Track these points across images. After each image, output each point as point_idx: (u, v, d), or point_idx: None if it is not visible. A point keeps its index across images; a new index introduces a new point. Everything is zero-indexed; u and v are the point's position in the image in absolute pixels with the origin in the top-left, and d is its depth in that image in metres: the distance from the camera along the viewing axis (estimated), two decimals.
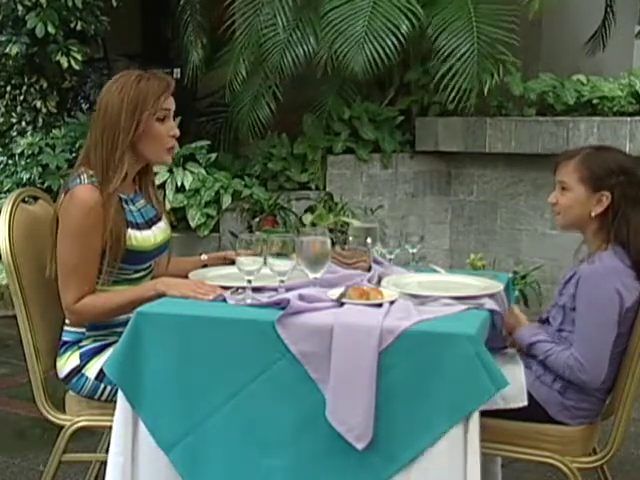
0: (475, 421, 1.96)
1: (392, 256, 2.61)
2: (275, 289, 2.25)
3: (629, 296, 2.24)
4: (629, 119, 4.90)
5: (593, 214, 2.31)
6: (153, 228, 2.52)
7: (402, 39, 4.95)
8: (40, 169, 5.41)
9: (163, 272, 2.60)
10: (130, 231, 2.41)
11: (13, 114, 5.82)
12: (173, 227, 2.64)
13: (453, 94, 5.04)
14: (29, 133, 5.70)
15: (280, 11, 5.29)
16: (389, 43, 4.93)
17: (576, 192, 2.32)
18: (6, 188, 5.47)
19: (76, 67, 5.49)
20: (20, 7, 5.30)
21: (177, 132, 2.49)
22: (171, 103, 2.47)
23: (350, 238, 2.60)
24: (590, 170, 2.31)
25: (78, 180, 2.38)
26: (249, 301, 2.21)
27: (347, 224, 4.14)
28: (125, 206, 2.44)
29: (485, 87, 5.06)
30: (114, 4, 5.69)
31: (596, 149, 2.44)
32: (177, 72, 6.41)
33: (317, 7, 5.27)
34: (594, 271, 2.26)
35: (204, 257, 2.73)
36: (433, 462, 1.98)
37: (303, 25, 5.32)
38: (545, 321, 2.46)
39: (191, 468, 2.14)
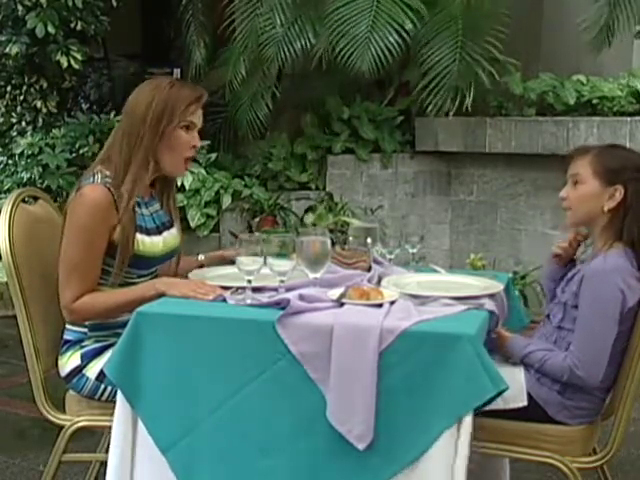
0: (468, 422, 1.96)
1: (392, 256, 2.61)
2: (275, 289, 2.25)
3: (632, 296, 2.24)
4: (629, 119, 4.90)
5: (606, 208, 2.30)
6: (164, 234, 2.51)
7: (407, 37, 4.95)
8: (40, 169, 5.41)
9: (172, 274, 2.59)
10: (138, 236, 2.41)
11: (13, 114, 5.82)
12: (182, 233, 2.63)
13: (433, 103, 5.06)
14: (29, 133, 5.70)
15: (278, 8, 5.29)
16: (393, 41, 4.93)
17: (590, 185, 2.31)
18: (6, 188, 5.47)
19: (76, 67, 5.48)
20: (20, 7, 5.30)
21: (198, 143, 2.48)
22: (199, 117, 2.46)
23: (350, 238, 2.60)
24: (604, 164, 2.30)
25: (91, 179, 2.37)
26: (249, 301, 2.21)
27: (347, 224, 4.14)
28: (137, 209, 2.43)
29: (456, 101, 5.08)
30: (114, 4, 5.68)
31: (610, 146, 2.45)
32: (177, 72, 6.41)
33: (317, 4, 5.27)
34: (599, 269, 2.26)
35: (201, 257, 2.73)
36: (434, 462, 1.97)
37: (302, 21, 5.32)
38: (546, 317, 2.46)
39: (189, 469, 2.14)
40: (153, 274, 2.54)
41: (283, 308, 2.09)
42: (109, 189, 2.35)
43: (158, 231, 2.50)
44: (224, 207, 5.31)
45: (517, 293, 4.82)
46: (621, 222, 2.29)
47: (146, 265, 2.47)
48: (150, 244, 2.45)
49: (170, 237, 2.53)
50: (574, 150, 2.44)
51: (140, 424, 2.17)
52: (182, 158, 2.46)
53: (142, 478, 2.18)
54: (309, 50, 5.26)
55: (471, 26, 5.04)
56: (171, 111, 2.38)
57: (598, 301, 2.24)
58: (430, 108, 5.08)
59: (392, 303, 2.15)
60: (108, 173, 2.38)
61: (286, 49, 5.27)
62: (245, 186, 5.43)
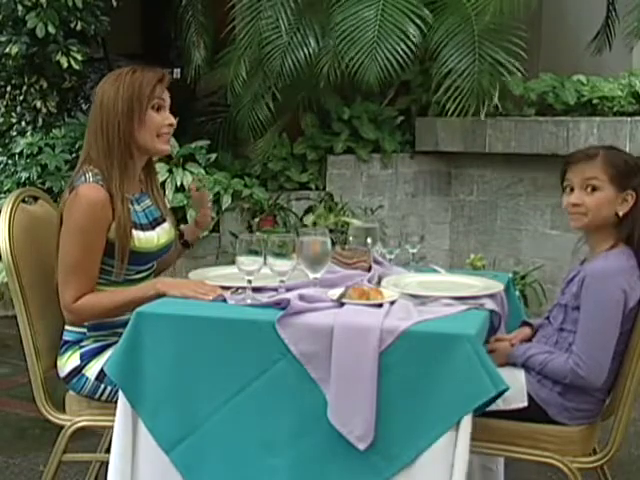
0: (467, 422, 1.96)
1: (392, 256, 2.61)
2: (275, 289, 2.25)
3: (633, 295, 2.24)
4: (629, 119, 4.90)
5: (621, 213, 2.30)
6: (157, 229, 2.52)
7: (412, 45, 4.94)
8: (40, 169, 5.40)
9: (167, 266, 2.64)
10: (133, 232, 2.41)
11: (13, 114, 5.81)
12: (175, 227, 2.64)
13: (453, 107, 5.04)
14: (29, 133, 5.69)
15: (282, 14, 5.29)
16: (400, 50, 4.92)
17: (606, 192, 2.30)
18: (6, 188, 5.46)
19: (76, 67, 5.48)
20: (20, 7, 5.29)
21: (173, 121, 2.49)
22: (166, 94, 2.48)
23: (350, 238, 2.60)
24: (617, 169, 2.30)
25: (83, 178, 2.37)
26: (249, 301, 2.21)
27: (347, 224, 4.14)
28: (130, 206, 2.44)
29: (491, 100, 5.07)
30: (114, 4, 5.68)
31: (610, 148, 2.41)
32: (177, 72, 6.41)
33: (318, 10, 5.27)
34: (601, 269, 2.26)
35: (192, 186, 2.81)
36: (435, 462, 1.98)
37: (304, 28, 5.32)
38: (546, 319, 2.46)
39: (192, 468, 2.14)
40: (151, 270, 2.54)
41: (283, 308, 2.09)
42: (103, 187, 2.36)
43: (151, 226, 2.51)
44: (224, 207, 5.30)
45: (517, 293, 4.83)
46: (630, 225, 2.30)
47: (143, 261, 2.47)
48: (145, 240, 2.45)
49: (163, 232, 2.54)
50: (578, 154, 2.40)
51: (141, 424, 2.17)
52: (161, 137, 2.47)
53: (144, 478, 2.18)
54: (312, 58, 5.26)
55: (486, 28, 5.02)
56: (139, 95, 2.40)
57: (600, 301, 2.24)
58: (451, 110, 5.06)
59: (392, 303, 2.15)
60: (96, 171, 2.38)
61: (290, 59, 5.27)
62: (245, 186, 5.42)
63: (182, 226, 2.82)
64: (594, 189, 2.32)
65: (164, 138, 2.48)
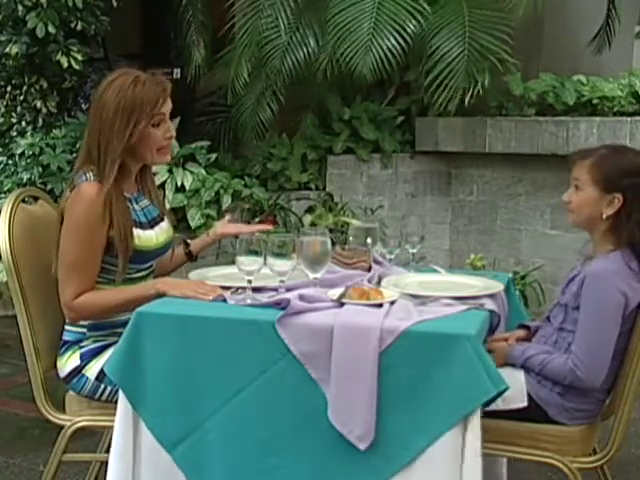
0: (476, 421, 1.96)
1: (392, 256, 2.61)
2: (275, 289, 2.26)
3: (634, 297, 2.24)
4: (629, 119, 4.90)
5: (604, 216, 2.30)
6: (155, 228, 2.52)
7: (408, 39, 4.94)
8: (40, 169, 5.40)
9: (165, 270, 2.62)
10: (134, 230, 2.42)
11: (13, 114, 5.81)
12: (173, 227, 2.64)
13: (441, 98, 5.04)
14: (29, 133, 5.69)
15: (282, 13, 5.29)
16: (395, 43, 4.92)
17: (588, 193, 2.31)
18: (6, 188, 5.46)
19: (76, 67, 5.48)
20: (20, 7, 5.30)
21: (173, 133, 2.48)
22: (167, 105, 2.45)
23: (350, 238, 2.60)
24: (602, 172, 2.29)
25: (84, 177, 2.38)
26: (249, 301, 2.21)
27: (347, 224, 4.14)
28: (129, 205, 2.45)
29: (468, 93, 5.06)
30: (114, 4, 5.69)
31: (612, 150, 2.39)
32: (177, 72, 6.41)
33: (317, 9, 5.27)
34: (601, 270, 2.26)
35: (228, 217, 2.79)
36: (434, 462, 1.98)
37: (303, 27, 5.32)
38: (546, 319, 2.46)
39: (194, 467, 2.14)
40: (151, 269, 2.55)
41: (283, 308, 2.09)
42: (103, 185, 2.36)
43: (150, 225, 2.51)
44: (224, 207, 5.30)
45: (517, 293, 4.82)
46: (621, 227, 2.29)
47: (143, 260, 2.48)
48: (145, 238, 2.46)
49: (161, 231, 2.54)
50: (575, 153, 2.42)
51: (142, 424, 2.17)
52: (159, 151, 2.46)
53: (145, 478, 2.18)
54: (312, 57, 5.26)
55: (477, 19, 5.03)
56: (139, 112, 2.37)
57: (600, 301, 2.24)
58: (439, 102, 5.06)
59: (392, 303, 2.15)
60: (97, 171, 2.39)
61: (290, 58, 5.27)
62: (245, 186, 5.43)
63: (191, 241, 2.79)
64: (578, 188, 2.34)
65: (164, 151, 2.47)
